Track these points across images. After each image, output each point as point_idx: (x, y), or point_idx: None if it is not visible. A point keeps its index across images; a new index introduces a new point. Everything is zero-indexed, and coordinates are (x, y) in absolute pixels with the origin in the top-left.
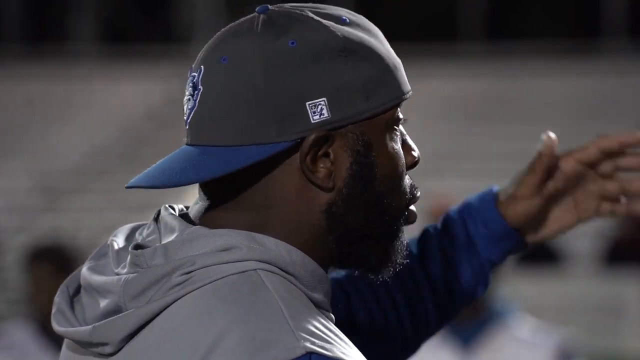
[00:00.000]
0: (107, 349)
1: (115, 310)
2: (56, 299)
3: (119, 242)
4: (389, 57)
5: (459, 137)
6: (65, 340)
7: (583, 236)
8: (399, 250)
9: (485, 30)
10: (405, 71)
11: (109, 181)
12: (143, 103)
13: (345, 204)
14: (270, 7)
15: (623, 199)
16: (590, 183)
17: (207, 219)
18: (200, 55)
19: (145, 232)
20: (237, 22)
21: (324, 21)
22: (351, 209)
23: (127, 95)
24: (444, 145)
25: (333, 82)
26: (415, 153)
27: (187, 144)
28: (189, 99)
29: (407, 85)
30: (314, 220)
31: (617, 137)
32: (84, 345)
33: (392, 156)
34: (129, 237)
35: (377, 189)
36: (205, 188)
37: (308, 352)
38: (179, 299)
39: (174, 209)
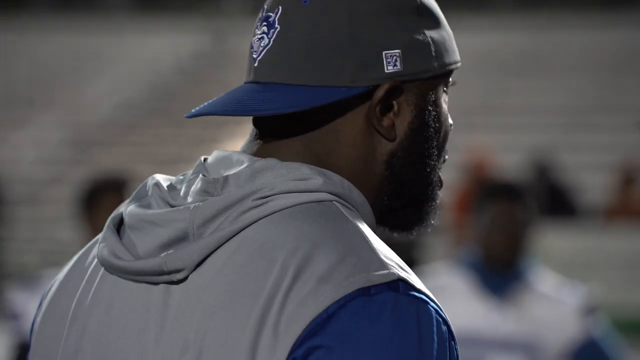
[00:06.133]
0: (179, 275)
1: (181, 238)
2: (106, 234)
3: (162, 183)
4: (447, 25)
5: (490, 90)
6: (103, 274)
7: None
8: (434, 212)
9: None
10: None
11: (139, 134)
12: (173, 56)
13: (405, 156)
14: None
15: None
16: None
17: (273, 155)
18: None
19: (189, 175)
20: None
21: None
22: (409, 162)
23: (157, 49)
24: (475, 99)
25: (408, 37)
26: (451, 120)
27: (251, 81)
28: (261, 37)
29: (458, 55)
30: (376, 168)
31: None
32: (150, 274)
33: (446, 118)
34: (168, 182)
35: (431, 145)
36: (267, 128)
37: (398, 279)
38: (257, 220)
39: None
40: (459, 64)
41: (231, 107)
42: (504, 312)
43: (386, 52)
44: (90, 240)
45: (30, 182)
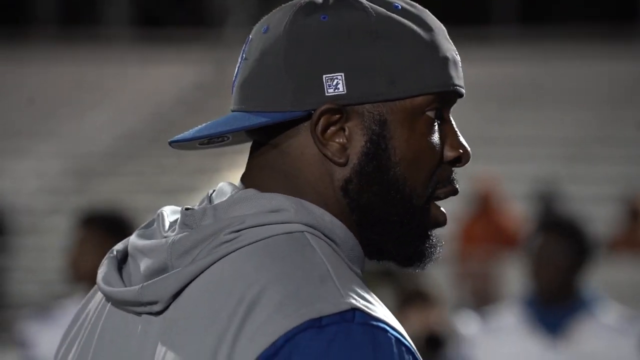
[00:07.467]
0: (156, 307)
1: (161, 269)
2: (104, 261)
3: (168, 214)
4: (435, 48)
5: (490, 121)
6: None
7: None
8: (430, 245)
9: (519, 14)
10: None
11: (140, 164)
12: (174, 87)
13: (359, 181)
14: None
15: None
16: None
17: (254, 184)
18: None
19: (197, 205)
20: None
21: (367, 3)
22: (364, 187)
23: (158, 80)
24: (476, 129)
25: (354, 60)
26: (459, 150)
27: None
28: (236, 68)
29: (454, 80)
30: (336, 195)
31: None
32: (131, 305)
33: (415, 143)
34: (177, 212)
35: (392, 172)
36: (255, 159)
37: (352, 308)
38: (226, 255)
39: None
40: (450, 88)
41: (187, 135)
42: (560, 350)
43: (326, 75)
44: (69, 268)
45: (31, 212)
